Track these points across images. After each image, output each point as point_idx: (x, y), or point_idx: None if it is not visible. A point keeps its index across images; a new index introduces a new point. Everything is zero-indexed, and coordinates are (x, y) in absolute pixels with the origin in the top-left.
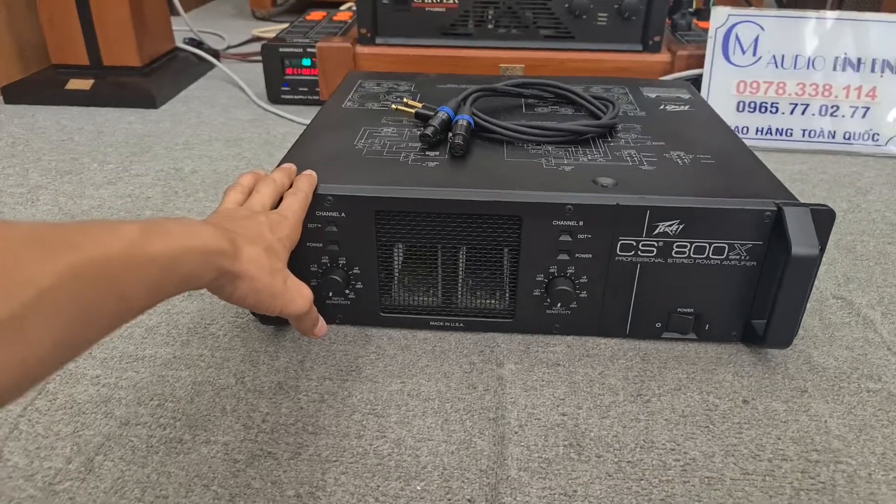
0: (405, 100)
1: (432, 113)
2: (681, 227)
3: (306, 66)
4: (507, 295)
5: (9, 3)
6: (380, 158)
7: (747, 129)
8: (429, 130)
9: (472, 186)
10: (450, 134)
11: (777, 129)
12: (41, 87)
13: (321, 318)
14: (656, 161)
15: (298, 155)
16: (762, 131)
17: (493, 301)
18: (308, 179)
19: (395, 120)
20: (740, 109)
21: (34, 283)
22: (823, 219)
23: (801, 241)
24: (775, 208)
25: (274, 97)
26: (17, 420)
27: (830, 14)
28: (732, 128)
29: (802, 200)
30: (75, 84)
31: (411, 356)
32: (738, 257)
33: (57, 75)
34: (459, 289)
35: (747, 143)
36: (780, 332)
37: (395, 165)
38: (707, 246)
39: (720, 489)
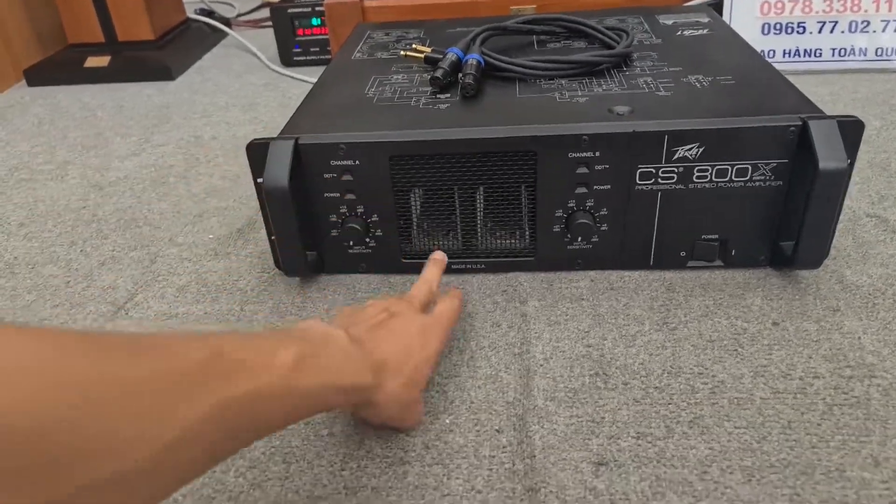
0: (414, 45)
1: (441, 55)
2: (701, 150)
3: (316, 26)
4: (528, 233)
5: None
6: (391, 105)
7: (774, 52)
8: (438, 73)
9: (483, 124)
10: (460, 75)
11: (805, 51)
12: (61, 67)
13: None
14: (673, 86)
15: (309, 108)
16: (790, 53)
17: (513, 240)
18: (458, 293)
19: (405, 67)
20: (765, 32)
21: (179, 423)
22: (852, 131)
23: (828, 156)
24: (800, 123)
25: (286, 60)
26: None
27: None
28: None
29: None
30: (93, 62)
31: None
32: (762, 178)
33: (75, 54)
34: (479, 230)
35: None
36: (810, 251)
37: (407, 110)
38: (730, 168)
39: (750, 408)
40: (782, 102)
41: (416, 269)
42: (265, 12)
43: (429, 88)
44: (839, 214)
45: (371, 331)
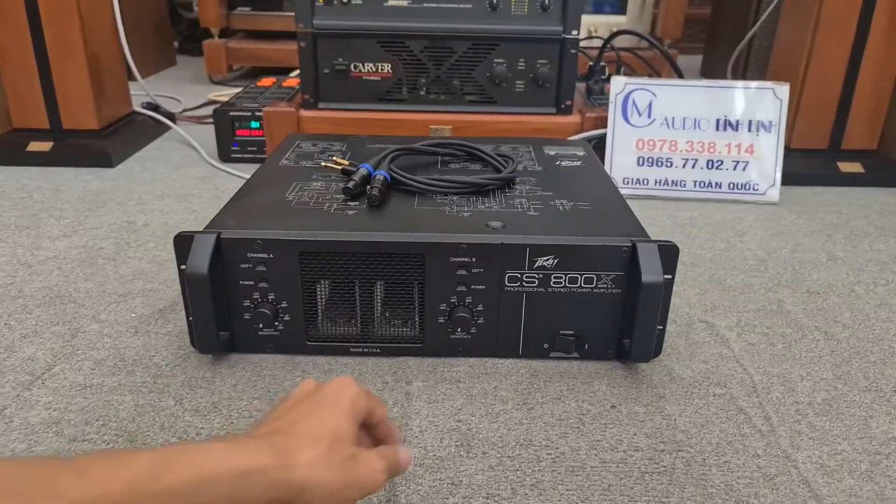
0: (334, 158)
1: (355, 169)
2: (556, 261)
3: (255, 128)
4: (417, 323)
5: None
6: (306, 208)
7: (647, 180)
8: (350, 184)
9: (383, 230)
10: (368, 187)
11: (672, 181)
12: (2, 149)
13: (398, 449)
14: (542, 207)
15: (234, 206)
16: (660, 182)
17: (405, 329)
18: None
19: (325, 176)
20: (640, 164)
21: None
22: (669, 253)
23: (650, 271)
24: (630, 244)
25: (224, 156)
26: None
27: (710, 83)
28: (634, 181)
29: (690, 242)
30: (35, 146)
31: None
32: (605, 286)
33: (18, 138)
34: (376, 319)
35: (647, 193)
36: (641, 348)
37: (319, 214)
38: (579, 277)
39: (581, 475)
40: (622, 227)
41: (320, 352)
42: (210, 109)
43: (341, 196)
44: (665, 317)
45: (276, 420)
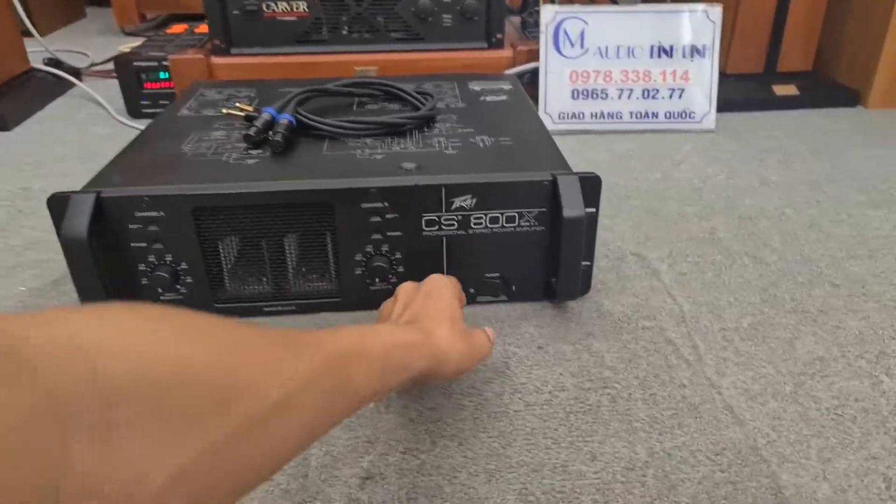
0: (238, 104)
1: (258, 115)
2: (474, 201)
3: (165, 80)
4: (333, 277)
5: None
6: (203, 160)
7: (583, 114)
8: (251, 131)
9: (284, 178)
10: (270, 133)
11: (609, 113)
12: None
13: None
14: (461, 146)
15: (121, 162)
16: (596, 115)
17: (321, 284)
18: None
19: (227, 124)
20: (575, 97)
21: (297, 377)
22: (591, 184)
23: (571, 205)
24: (551, 178)
25: (134, 111)
26: None
27: (641, 8)
28: (569, 115)
29: (627, 175)
30: None
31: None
32: (528, 224)
33: None
34: (290, 275)
35: (583, 127)
36: (567, 286)
37: (217, 165)
38: (500, 216)
39: (503, 420)
40: (544, 162)
41: (231, 314)
42: None
43: (243, 145)
44: (592, 252)
45: (399, 317)
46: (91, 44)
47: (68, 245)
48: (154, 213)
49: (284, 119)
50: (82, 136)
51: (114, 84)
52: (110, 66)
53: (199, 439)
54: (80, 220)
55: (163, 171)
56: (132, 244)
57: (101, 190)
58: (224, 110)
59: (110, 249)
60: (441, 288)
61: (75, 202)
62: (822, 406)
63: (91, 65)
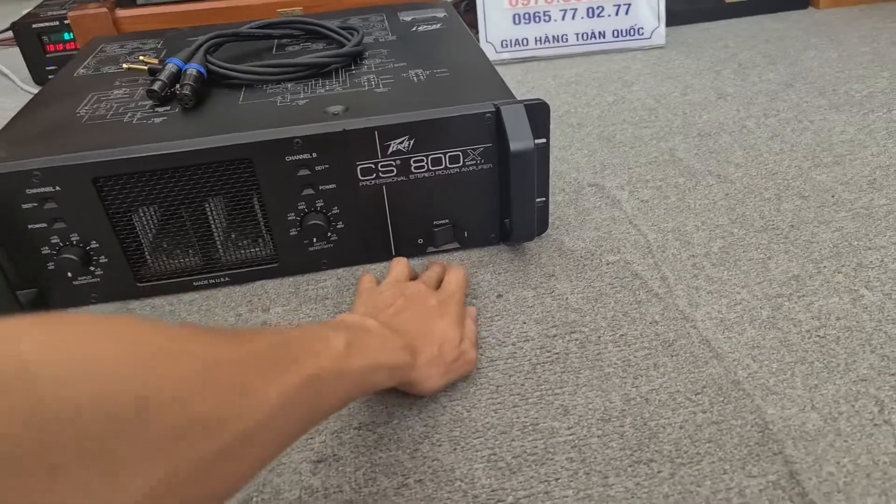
0: (141, 57)
1: (163, 67)
2: (412, 142)
3: (70, 40)
4: (267, 240)
5: None
6: (102, 123)
7: (526, 40)
8: (155, 85)
9: (196, 136)
10: (178, 86)
11: (553, 37)
12: None
13: (472, 315)
14: (393, 82)
15: (7, 133)
16: (540, 41)
17: (254, 250)
18: (461, 266)
19: (130, 81)
20: (516, 22)
21: (265, 404)
22: (539, 112)
23: (518, 137)
24: (494, 109)
25: (40, 79)
26: None
27: None
28: (512, 42)
29: (577, 101)
30: None
31: (175, 319)
32: (474, 163)
33: None
34: (217, 243)
35: (528, 54)
36: (521, 225)
37: (118, 127)
38: (443, 156)
39: (465, 380)
40: (485, 91)
41: (156, 293)
42: None
43: (148, 103)
44: (546, 189)
45: (396, 316)
46: None
47: None
48: (49, 189)
49: (193, 69)
50: None
51: (17, 52)
52: (10, 33)
53: (156, 475)
54: None
55: (56, 139)
56: (29, 226)
57: None
58: (125, 65)
59: (5, 235)
60: (450, 300)
61: None
62: (802, 329)
63: None
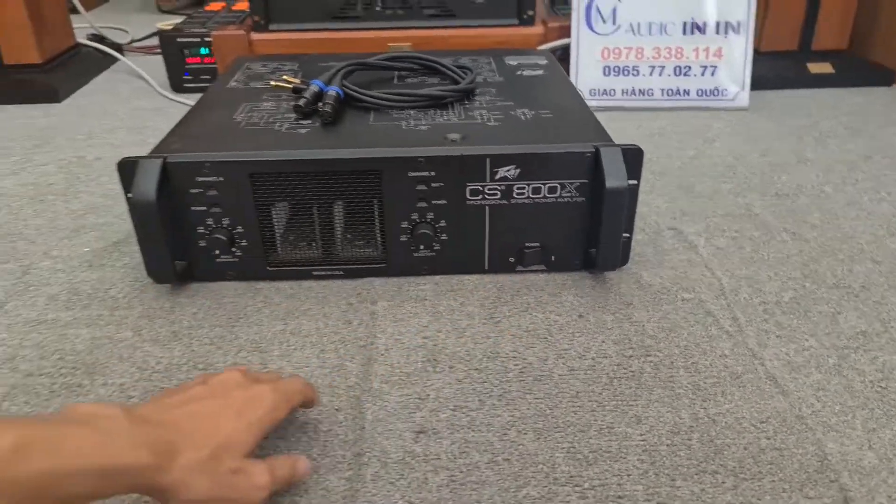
0: (284, 76)
1: (306, 87)
2: (518, 171)
3: (206, 55)
4: (380, 243)
5: None
6: (256, 128)
7: (614, 91)
8: (301, 101)
9: (336, 147)
10: (320, 104)
11: (640, 90)
12: None
13: (297, 462)
14: (502, 118)
15: (180, 131)
16: (627, 92)
17: (367, 250)
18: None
19: (275, 96)
20: (606, 74)
21: None
22: (633, 157)
23: (614, 176)
24: (593, 150)
25: (176, 86)
26: None
27: None
28: (601, 92)
29: (659, 151)
30: None
31: (295, 302)
32: (569, 195)
33: None
34: (338, 241)
35: (615, 104)
36: (607, 256)
37: (270, 134)
38: (542, 186)
39: (548, 383)
40: (585, 133)
41: (281, 277)
42: (157, 40)
43: (293, 116)
44: (632, 224)
45: (176, 407)
46: (130, 21)
47: (137, 206)
48: (214, 178)
49: (332, 91)
50: (129, 108)
51: (153, 59)
52: (150, 42)
53: None
54: (148, 184)
55: (220, 139)
56: (192, 207)
57: (167, 156)
58: (272, 83)
59: (172, 212)
60: (262, 399)
61: (144, 167)
62: (865, 379)
63: (131, 41)
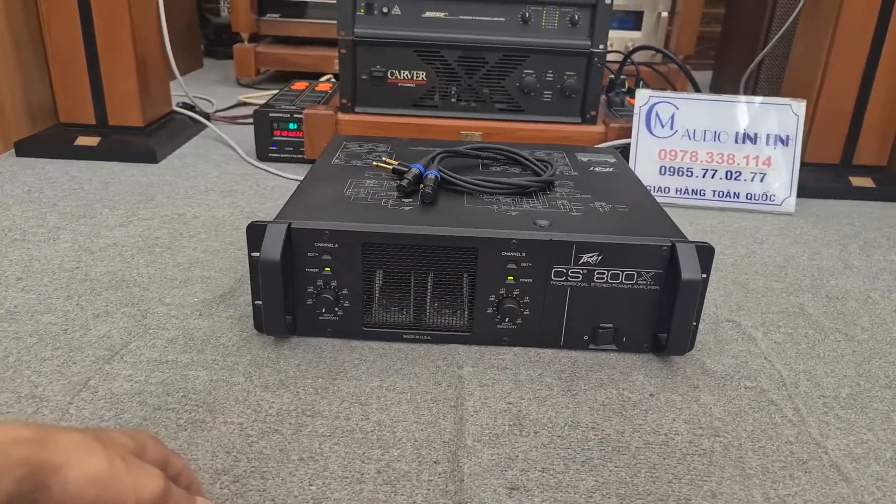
0: (384, 158)
1: (406, 169)
2: (600, 258)
3: (292, 129)
4: (466, 313)
5: (21, 68)
6: (365, 203)
7: (668, 189)
8: (404, 182)
9: (438, 225)
10: (421, 185)
11: (693, 190)
12: (51, 142)
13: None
14: (583, 209)
15: (298, 201)
16: (681, 191)
17: (454, 318)
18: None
19: (375, 174)
20: (662, 173)
21: None
22: (706, 253)
23: (688, 269)
24: (670, 244)
25: (262, 155)
26: (66, 406)
27: (728, 97)
28: (656, 189)
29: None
30: (83, 140)
31: (388, 361)
32: (645, 283)
33: (65, 132)
34: (428, 308)
35: (668, 201)
36: (678, 341)
37: (378, 209)
38: (621, 273)
39: (626, 454)
40: (660, 229)
41: (374, 337)
42: (240, 110)
43: (395, 193)
44: (700, 314)
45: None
46: (213, 91)
47: (264, 265)
48: (330, 245)
49: (433, 175)
50: (220, 172)
51: (238, 129)
52: (233, 112)
53: None
54: (275, 245)
55: (334, 210)
56: (307, 269)
57: (292, 221)
58: (373, 163)
59: (287, 272)
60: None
61: (272, 230)
62: None
63: (216, 110)
